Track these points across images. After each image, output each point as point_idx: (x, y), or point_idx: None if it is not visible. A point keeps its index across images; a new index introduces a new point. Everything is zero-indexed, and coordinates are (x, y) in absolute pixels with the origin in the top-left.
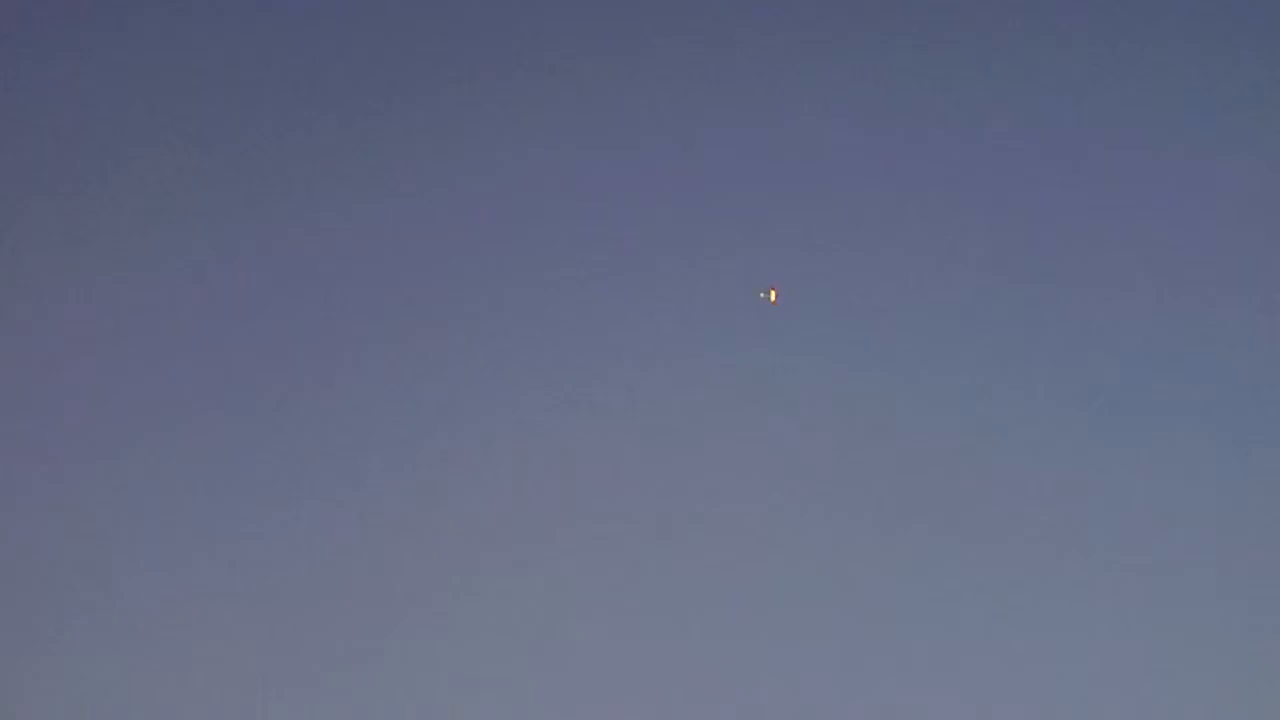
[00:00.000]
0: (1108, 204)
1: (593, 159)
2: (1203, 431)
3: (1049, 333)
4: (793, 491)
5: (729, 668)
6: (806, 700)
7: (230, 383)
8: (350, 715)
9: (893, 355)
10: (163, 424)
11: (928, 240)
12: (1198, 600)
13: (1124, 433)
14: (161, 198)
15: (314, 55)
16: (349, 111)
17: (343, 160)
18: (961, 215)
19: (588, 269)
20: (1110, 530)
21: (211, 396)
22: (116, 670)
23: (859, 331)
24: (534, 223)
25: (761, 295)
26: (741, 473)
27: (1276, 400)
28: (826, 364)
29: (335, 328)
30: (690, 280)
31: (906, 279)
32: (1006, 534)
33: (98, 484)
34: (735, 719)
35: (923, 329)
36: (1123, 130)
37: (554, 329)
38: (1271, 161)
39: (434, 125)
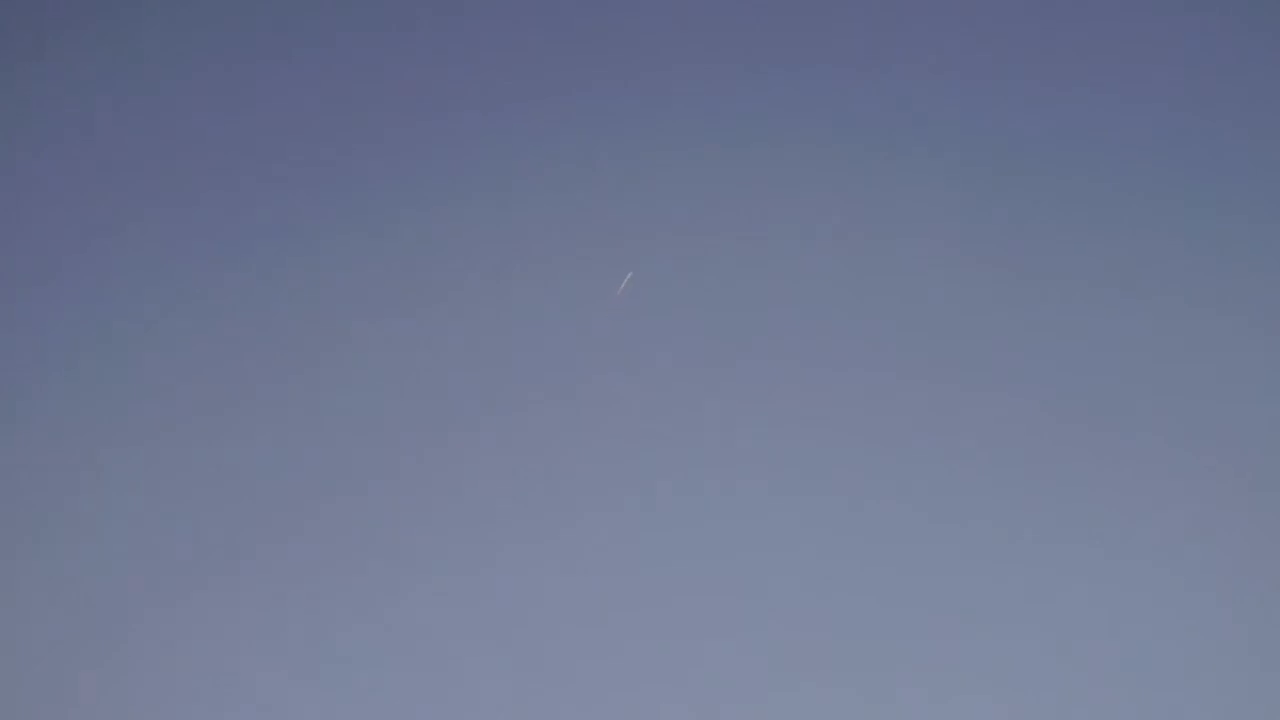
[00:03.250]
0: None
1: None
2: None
3: (1048, 340)
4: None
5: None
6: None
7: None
8: (350, 714)
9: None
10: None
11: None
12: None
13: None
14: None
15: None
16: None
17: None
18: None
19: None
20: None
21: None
22: (112, 666)
23: (857, 336)
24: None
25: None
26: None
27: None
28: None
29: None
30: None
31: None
32: (1007, 539)
33: (93, 481)
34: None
35: (922, 332)
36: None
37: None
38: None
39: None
